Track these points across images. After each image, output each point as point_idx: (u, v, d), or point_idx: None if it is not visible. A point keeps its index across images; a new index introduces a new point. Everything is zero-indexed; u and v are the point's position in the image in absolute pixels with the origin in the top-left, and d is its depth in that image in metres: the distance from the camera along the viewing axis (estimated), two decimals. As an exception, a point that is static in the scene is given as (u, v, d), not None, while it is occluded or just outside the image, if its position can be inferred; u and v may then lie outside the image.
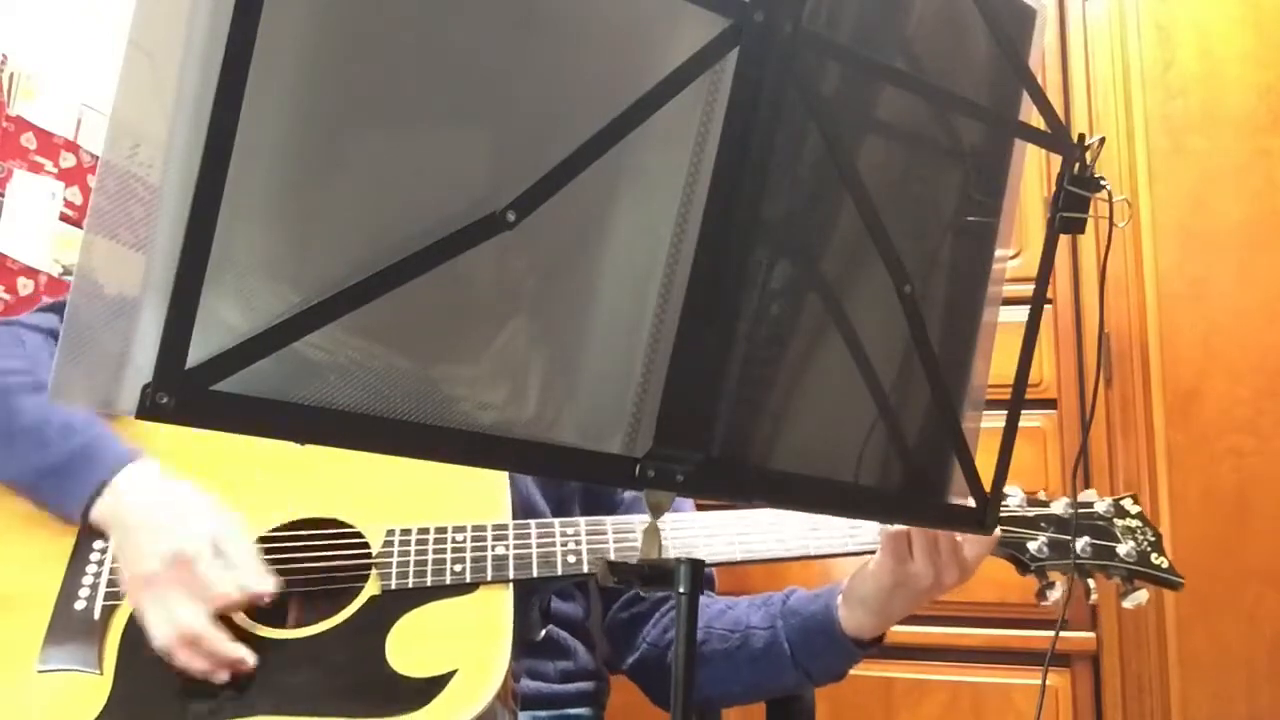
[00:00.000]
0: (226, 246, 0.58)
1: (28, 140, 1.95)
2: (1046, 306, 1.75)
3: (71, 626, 1.05)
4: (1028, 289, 0.90)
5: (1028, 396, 0.91)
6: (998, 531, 1.16)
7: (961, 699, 1.94)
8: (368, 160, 0.64)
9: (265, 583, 1.04)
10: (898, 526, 1.11)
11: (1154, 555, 1.21)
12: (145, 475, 1.08)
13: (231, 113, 0.57)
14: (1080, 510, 1.23)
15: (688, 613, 0.74)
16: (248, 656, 1.01)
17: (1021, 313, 0.90)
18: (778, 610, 1.24)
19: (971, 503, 0.87)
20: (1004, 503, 1.23)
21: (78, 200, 2.01)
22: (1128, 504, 1.25)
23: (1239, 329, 1.91)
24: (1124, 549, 1.20)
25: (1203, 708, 1.82)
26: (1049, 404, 1.98)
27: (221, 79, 0.57)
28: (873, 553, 1.15)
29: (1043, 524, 1.20)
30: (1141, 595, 1.21)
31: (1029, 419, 1.91)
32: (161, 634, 1.00)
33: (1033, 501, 1.23)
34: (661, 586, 0.75)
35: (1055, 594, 1.18)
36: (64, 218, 1.99)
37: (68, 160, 2.02)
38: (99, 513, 1.07)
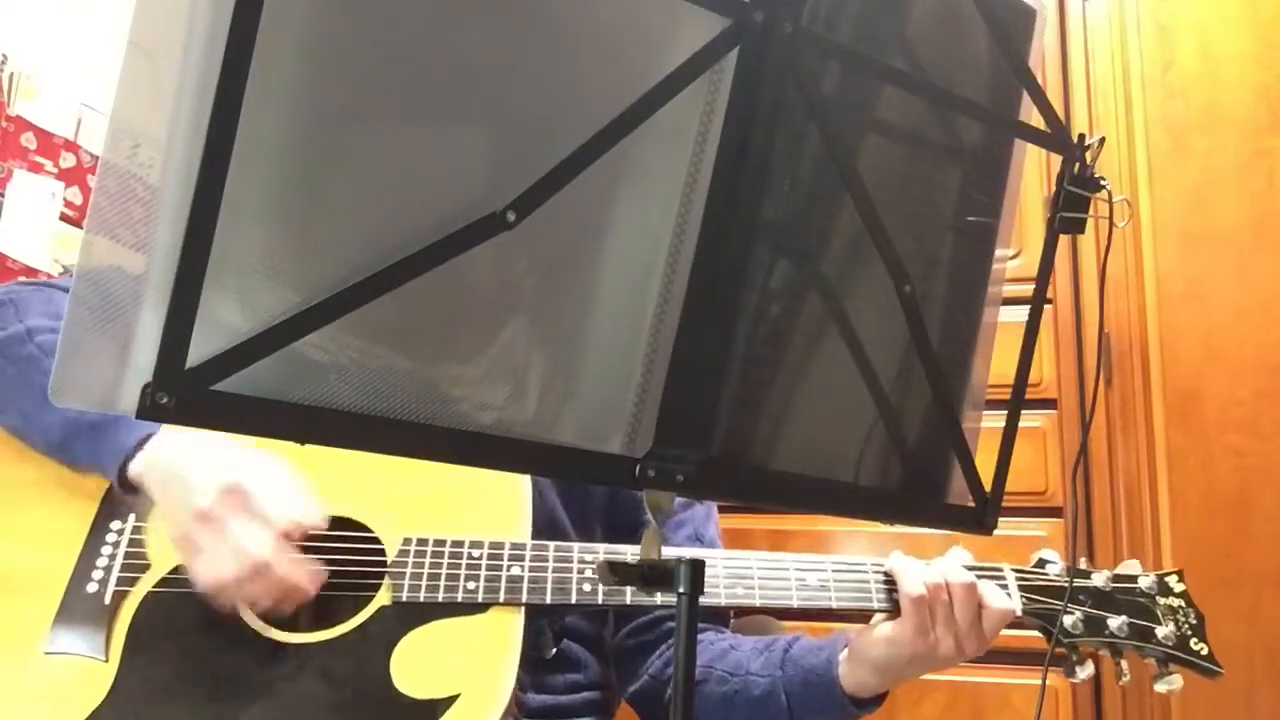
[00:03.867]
0: (226, 246, 0.58)
1: (28, 140, 1.95)
2: (1046, 306, 1.75)
3: (82, 609, 1.05)
4: (1028, 289, 0.90)
5: (1028, 396, 0.90)
6: (1019, 603, 1.15)
7: (961, 699, 1.94)
8: (368, 160, 0.64)
9: (314, 515, 1.04)
10: (918, 593, 1.10)
11: (1194, 640, 1.15)
12: (186, 430, 1.06)
13: (231, 112, 0.58)
14: (1122, 584, 1.18)
15: (688, 613, 0.74)
16: (314, 580, 1.02)
17: (1021, 313, 0.90)
18: (778, 659, 1.22)
19: (971, 503, 0.87)
20: (1043, 570, 1.20)
21: (78, 200, 2.01)
22: (1172, 581, 1.19)
23: (1239, 329, 1.91)
24: (1163, 631, 1.14)
25: (1203, 708, 1.82)
26: (1049, 404, 1.98)
27: (221, 79, 0.57)
28: (889, 610, 1.14)
29: (1081, 597, 1.16)
30: (1176, 681, 1.15)
31: (1029, 419, 1.90)
32: (227, 568, 0.99)
33: (1072, 573, 1.18)
34: (661, 587, 0.75)
35: (1086, 672, 1.14)
36: (64, 218, 1.99)
37: (68, 160, 2.02)
38: (138, 468, 1.05)
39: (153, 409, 0.57)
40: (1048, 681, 1.13)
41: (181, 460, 1.04)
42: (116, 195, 0.58)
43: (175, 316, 0.57)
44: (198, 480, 1.02)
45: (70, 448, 1.09)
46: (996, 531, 0.88)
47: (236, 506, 1.00)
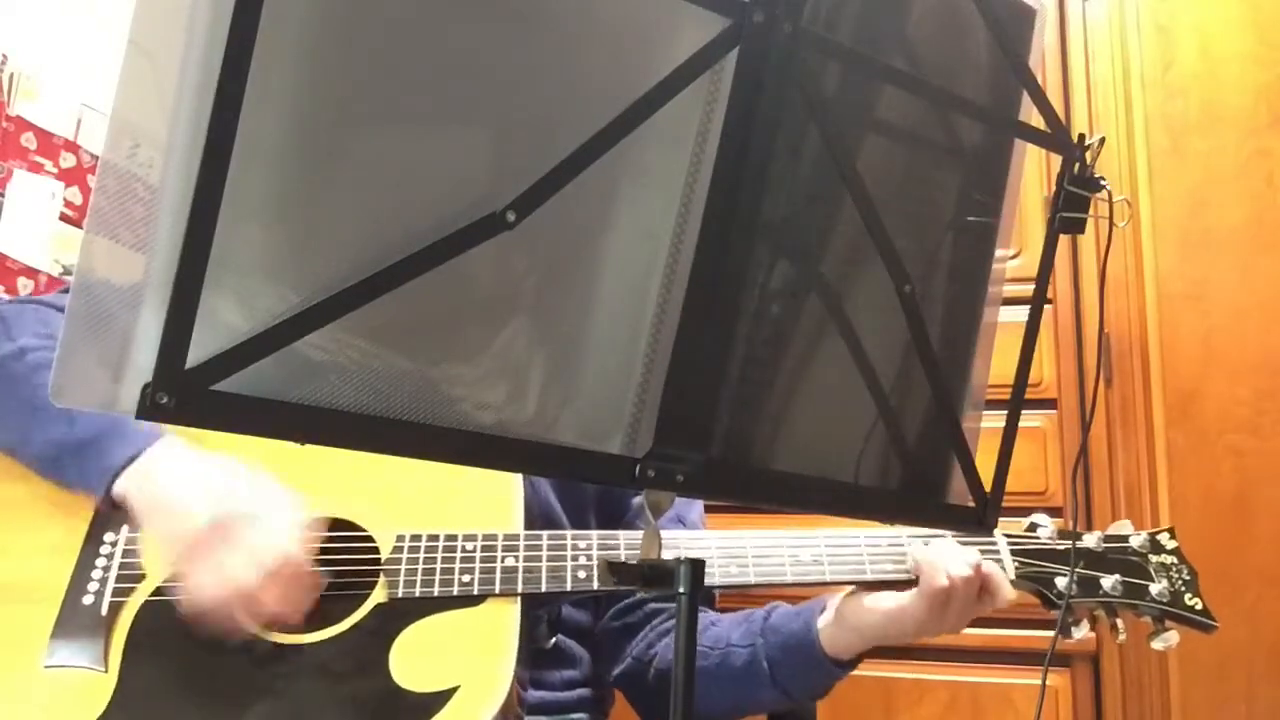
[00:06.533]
0: (226, 246, 0.58)
1: (28, 140, 1.95)
2: (1046, 306, 1.74)
3: (79, 621, 1.05)
4: (1028, 289, 0.90)
5: (1028, 396, 0.90)
6: (1012, 569, 1.15)
7: (961, 699, 1.94)
8: (368, 160, 0.64)
9: (304, 552, 1.03)
10: (939, 584, 1.10)
11: (1188, 595, 1.16)
12: (176, 449, 1.07)
13: (231, 113, 0.58)
14: (1113, 544, 1.19)
15: (688, 613, 0.74)
16: (299, 609, 1.02)
17: (1021, 313, 0.89)
18: (758, 628, 1.23)
19: (971, 503, 0.87)
20: (1035, 534, 1.20)
21: (78, 200, 2.01)
22: (1164, 539, 1.20)
23: (1239, 329, 1.91)
24: (1157, 588, 1.15)
25: (1203, 708, 1.82)
26: (1049, 404, 1.97)
27: (221, 79, 0.57)
28: (886, 583, 1.14)
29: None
30: (1172, 637, 1.15)
31: (1029, 419, 1.90)
32: (213, 593, 0.99)
33: (1064, 534, 1.19)
34: (661, 587, 0.75)
35: (1081, 632, 1.14)
36: (64, 218, 1.99)
37: (68, 160, 2.02)
38: (123, 487, 1.05)
39: (153, 409, 0.57)
40: (1048, 682, 1.13)
41: (172, 486, 1.04)
42: (116, 195, 0.58)
43: (175, 316, 0.57)
44: (189, 509, 1.02)
45: (61, 466, 1.09)
46: (996, 531, 0.88)
47: (225, 536, 1.00)
